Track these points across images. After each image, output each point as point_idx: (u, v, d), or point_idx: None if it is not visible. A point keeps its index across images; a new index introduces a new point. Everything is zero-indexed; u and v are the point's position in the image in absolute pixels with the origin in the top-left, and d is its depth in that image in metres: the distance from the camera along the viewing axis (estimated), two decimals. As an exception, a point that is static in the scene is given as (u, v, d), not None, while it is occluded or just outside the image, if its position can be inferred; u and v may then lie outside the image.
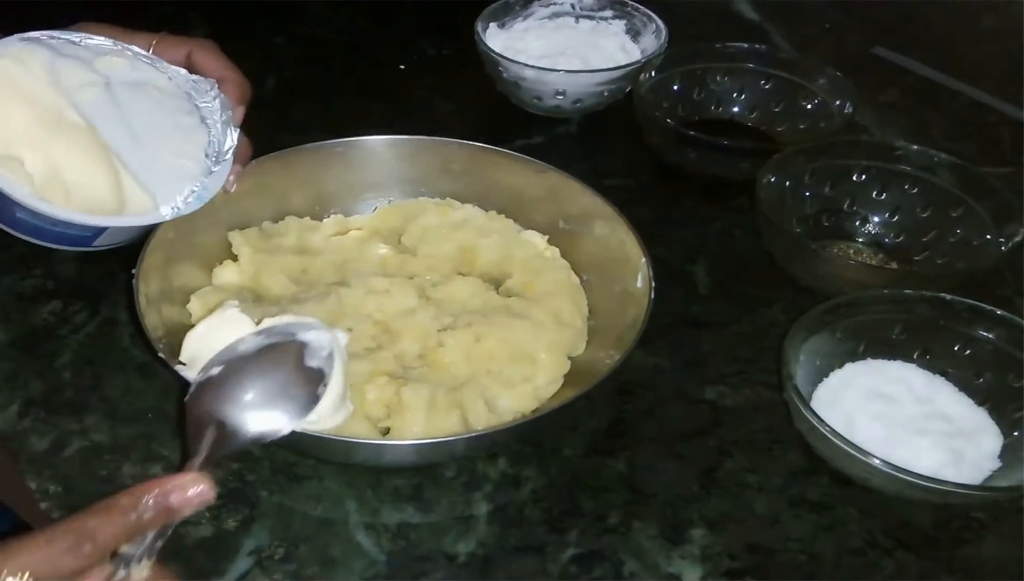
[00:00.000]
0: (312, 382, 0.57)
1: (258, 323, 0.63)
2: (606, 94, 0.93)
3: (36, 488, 0.63)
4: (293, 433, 0.56)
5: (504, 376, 0.68)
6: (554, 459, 0.66)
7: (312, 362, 0.58)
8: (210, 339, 0.63)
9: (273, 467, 0.65)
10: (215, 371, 0.57)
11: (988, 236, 0.75)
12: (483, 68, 0.96)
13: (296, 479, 0.64)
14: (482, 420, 0.65)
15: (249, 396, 0.55)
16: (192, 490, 0.49)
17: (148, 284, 0.67)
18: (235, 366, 0.57)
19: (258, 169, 0.76)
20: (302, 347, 0.58)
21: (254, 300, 0.72)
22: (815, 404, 0.66)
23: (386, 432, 0.64)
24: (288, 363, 0.57)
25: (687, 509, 0.63)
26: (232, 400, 0.55)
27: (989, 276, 0.76)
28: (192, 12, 1.08)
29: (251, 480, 0.64)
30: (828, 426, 0.60)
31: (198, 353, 0.63)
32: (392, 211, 0.80)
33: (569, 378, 0.69)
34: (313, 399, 0.57)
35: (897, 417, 0.65)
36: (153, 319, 0.65)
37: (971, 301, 0.67)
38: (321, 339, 0.58)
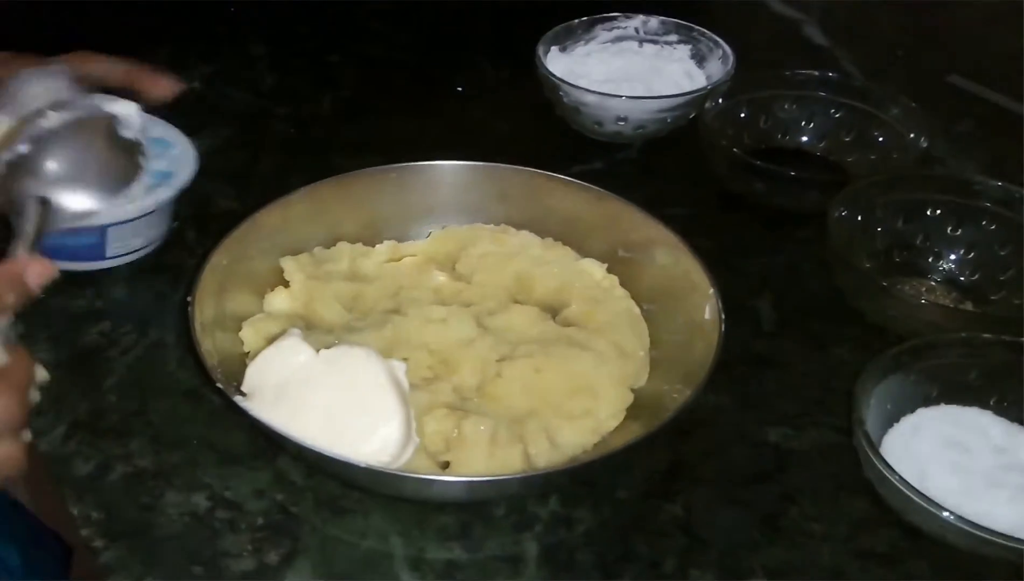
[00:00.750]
0: (130, 153, 0.57)
1: (317, 351, 0.63)
2: (669, 120, 0.92)
3: (78, 514, 0.63)
4: (347, 464, 0.56)
5: (565, 409, 0.67)
6: (608, 500, 0.64)
7: (126, 133, 0.57)
8: (272, 369, 0.63)
9: (318, 500, 0.64)
10: (23, 148, 0.55)
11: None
12: (542, 91, 0.95)
13: (341, 512, 0.63)
14: (544, 455, 0.63)
15: (65, 170, 0.55)
16: (32, 271, 0.49)
17: (203, 311, 0.66)
18: (45, 143, 0.55)
19: (311, 194, 0.76)
20: (112, 120, 0.57)
21: (307, 327, 0.71)
22: (885, 451, 0.64)
23: (445, 466, 0.63)
24: (100, 136, 0.57)
25: (747, 558, 0.61)
26: (49, 176, 0.54)
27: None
28: (248, 29, 1.08)
29: (294, 512, 0.63)
30: (899, 475, 0.58)
31: (259, 383, 0.63)
32: (446, 237, 0.79)
33: (631, 411, 0.68)
34: (135, 169, 0.56)
35: (973, 468, 0.62)
36: (207, 346, 0.65)
37: (1053, 346, 0.65)
38: (129, 109, 0.58)
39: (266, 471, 0.66)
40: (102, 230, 0.76)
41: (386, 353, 0.67)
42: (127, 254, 0.79)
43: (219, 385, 0.61)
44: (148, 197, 0.76)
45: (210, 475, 0.66)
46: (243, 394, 0.63)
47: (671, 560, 0.61)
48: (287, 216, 0.75)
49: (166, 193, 0.77)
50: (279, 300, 0.74)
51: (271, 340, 0.66)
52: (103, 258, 0.78)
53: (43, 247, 0.70)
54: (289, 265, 0.75)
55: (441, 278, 0.77)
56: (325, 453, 0.58)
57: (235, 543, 0.61)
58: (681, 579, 0.60)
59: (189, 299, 0.66)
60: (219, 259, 0.69)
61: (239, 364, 0.66)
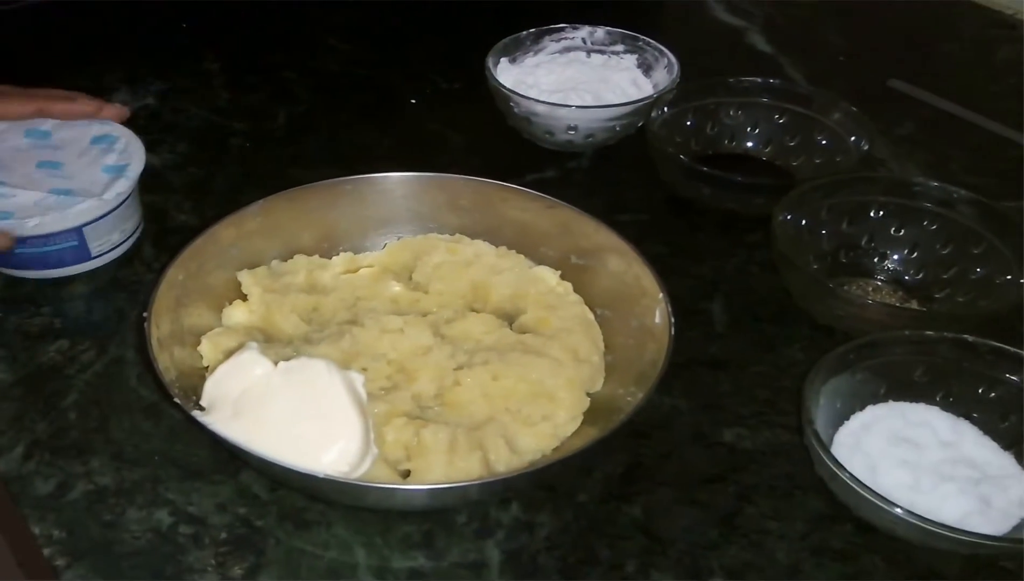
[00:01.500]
0: None
1: (276, 364, 0.62)
2: (618, 129, 0.92)
3: (39, 533, 0.62)
4: (307, 476, 0.56)
5: (523, 415, 0.66)
6: (568, 504, 0.64)
7: None
8: (230, 382, 0.62)
9: (281, 512, 0.63)
10: None
11: (1010, 275, 0.73)
12: (495, 102, 0.95)
13: (304, 525, 0.62)
14: (503, 461, 0.63)
15: None
16: None
17: (159, 327, 0.65)
18: None
19: (266, 208, 0.75)
20: None
21: (265, 340, 0.71)
22: (836, 448, 0.64)
23: (406, 475, 0.63)
24: None
25: (706, 557, 0.61)
26: None
27: (1013, 314, 0.74)
28: (202, 46, 1.07)
29: (258, 526, 0.62)
30: (849, 473, 0.58)
31: (218, 397, 0.62)
32: (402, 248, 0.79)
33: (588, 416, 0.67)
34: None
35: (922, 462, 0.62)
36: (165, 361, 0.64)
37: (994, 343, 0.65)
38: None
39: (229, 485, 0.65)
40: (78, 231, 0.77)
41: (345, 364, 0.67)
42: (113, 249, 0.81)
43: (177, 400, 0.60)
44: (110, 191, 0.78)
45: (172, 491, 0.64)
46: (202, 408, 0.62)
47: (632, 562, 0.60)
48: (243, 230, 0.74)
49: (126, 184, 0.79)
50: (237, 314, 0.73)
51: (229, 354, 0.65)
52: (90, 258, 0.80)
53: (27, 261, 0.76)
54: (246, 279, 0.74)
55: (397, 288, 0.76)
56: (285, 465, 0.57)
57: (199, 558, 0.60)
58: (642, 580, 0.59)
59: (145, 315, 0.65)
60: (175, 274, 0.68)
61: (198, 378, 0.65)
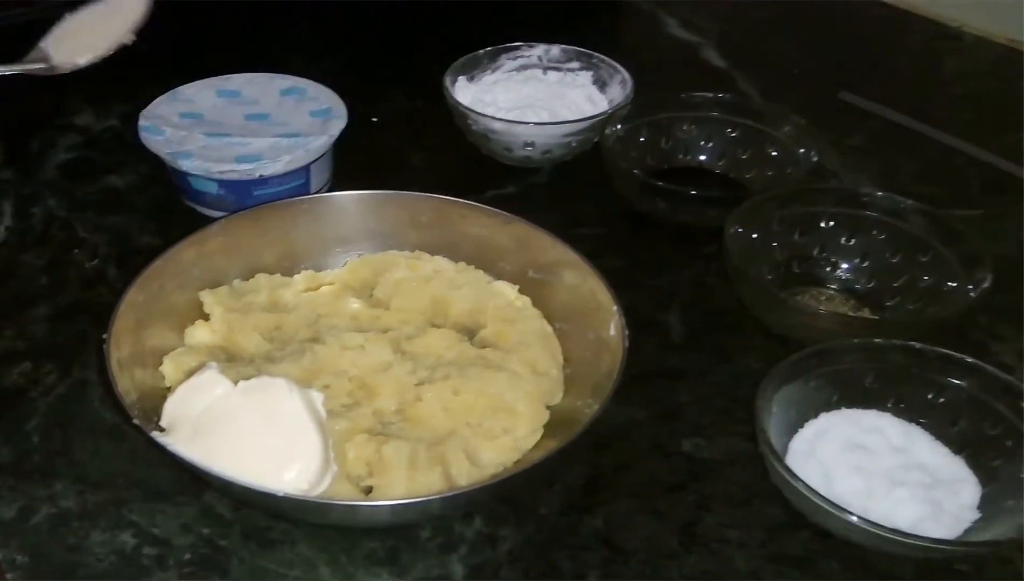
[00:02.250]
0: None
1: (235, 384, 0.61)
2: (574, 145, 0.91)
3: (2, 558, 0.60)
4: (269, 495, 0.55)
5: (484, 428, 0.66)
6: (530, 517, 0.63)
7: None
8: (190, 403, 0.61)
9: (245, 532, 0.62)
10: None
11: (956, 282, 0.73)
12: (454, 120, 0.94)
13: (268, 544, 0.61)
14: (465, 475, 0.62)
15: None
16: None
17: (120, 348, 0.64)
18: None
19: (226, 228, 0.74)
20: None
21: (228, 359, 0.70)
22: (791, 456, 0.64)
23: (369, 491, 0.62)
24: None
25: (667, 567, 0.60)
26: None
27: (963, 321, 0.74)
28: (165, 67, 1.06)
29: (222, 545, 0.61)
30: (803, 482, 0.58)
31: (178, 417, 0.61)
32: (362, 265, 0.78)
33: (548, 428, 0.67)
34: None
35: (874, 468, 0.62)
36: (125, 383, 0.62)
37: (942, 349, 0.65)
38: None
39: (192, 506, 0.64)
40: (307, 169, 0.85)
41: (306, 381, 0.66)
42: (321, 188, 0.88)
43: (136, 421, 0.59)
44: (332, 128, 0.86)
45: (136, 512, 0.63)
46: (162, 430, 0.61)
47: (594, 573, 0.60)
48: (204, 250, 0.73)
49: (340, 123, 0.87)
50: (199, 333, 0.72)
51: (192, 374, 0.64)
52: (309, 191, 0.87)
53: (257, 198, 0.82)
54: (208, 298, 0.73)
55: (358, 305, 0.75)
56: (243, 484, 0.56)
57: (163, 580, 0.59)
58: (604, 591, 0.59)
59: (104, 337, 0.63)
60: (136, 295, 0.67)
61: (161, 399, 0.64)
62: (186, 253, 0.72)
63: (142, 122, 0.86)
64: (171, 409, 0.61)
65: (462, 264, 0.77)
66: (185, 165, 0.82)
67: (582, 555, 0.61)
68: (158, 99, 0.90)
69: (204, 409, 0.60)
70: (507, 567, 0.60)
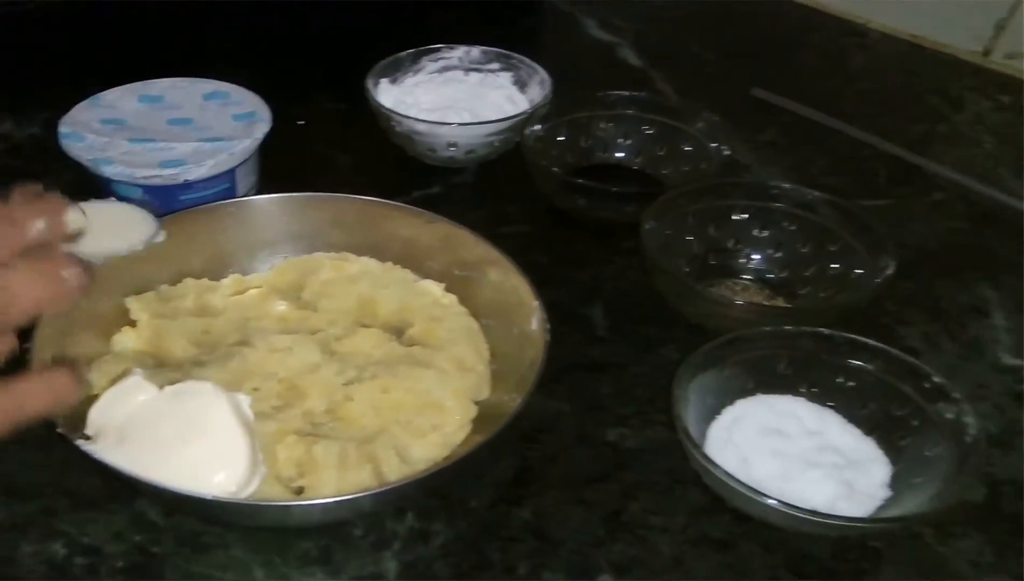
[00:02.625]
0: None
1: (161, 389, 0.61)
2: (496, 144, 0.92)
3: (-68, 572, 0.59)
4: (199, 500, 0.54)
5: (414, 425, 0.66)
6: (461, 511, 0.64)
7: None
8: (115, 409, 0.60)
9: (178, 538, 0.61)
10: None
11: (863, 270, 0.75)
12: (379, 122, 0.94)
13: (202, 549, 0.61)
14: (395, 471, 0.62)
15: None
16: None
17: (44, 357, 0.63)
18: None
19: (151, 234, 0.73)
20: None
21: (156, 365, 0.69)
22: (710, 442, 0.65)
23: (300, 492, 0.62)
24: None
25: (594, 555, 0.61)
26: None
27: (872, 307, 0.76)
28: (87, 73, 1.04)
29: (155, 552, 0.61)
30: (719, 467, 0.59)
31: (103, 425, 0.60)
32: (289, 267, 0.78)
33: (477, 423, 0.67)
34: None
35: (790, 451, 0.64)
36: (51, 392, 0.61)
37: (848, 334, 0.67)
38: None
39: (123, 513, 0.63)
40: (232, 173, 0.84)
41: (235, 384, 0.65)
42: (248, 191, 0.87)
43: (60, 430, 0.58)
44: (256, 132, 0.85)
45: (66, 522, 0.62)
46: (88, 438, 0.60)
47: (524, 564, 0.61)
48: (128, 256, 0.71)
49: (264, 126, 0.86)
50: (126, 340, 0.71)
51: (118, 381, 0.63)
52: (235, 195, 0.85)
53: (182, 203, 0.81)
54: (134, 304, 0.72)
55: (286, 308, 0.75)
56: (174, 490, 0.56)
57: (96, 588, 0.59)
58: None
59: (27, 346, 0.62)
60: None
61: (88, 407, 0.63)
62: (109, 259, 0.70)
63: (63, 129, 0.84)
64: (96, 417, 0.60)
65: (388, 264, 0.77)
66: (108, 171, 0.81)
67: (512, 547, 0.62)
68: (79, 105, 0.88)
69: (129, 415, 0.59)
70: (440, 561, 0.61)
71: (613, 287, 0.82)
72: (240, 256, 0.78)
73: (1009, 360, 0.76)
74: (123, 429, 0.59)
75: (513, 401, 0.63)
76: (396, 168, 0.96)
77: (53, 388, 0.50)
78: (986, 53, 1.17)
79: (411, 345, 0.72)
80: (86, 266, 0.50)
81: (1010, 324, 0.79)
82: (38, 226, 0.48)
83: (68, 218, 0.51)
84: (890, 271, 0.72)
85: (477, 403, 0.68)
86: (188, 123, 0.87)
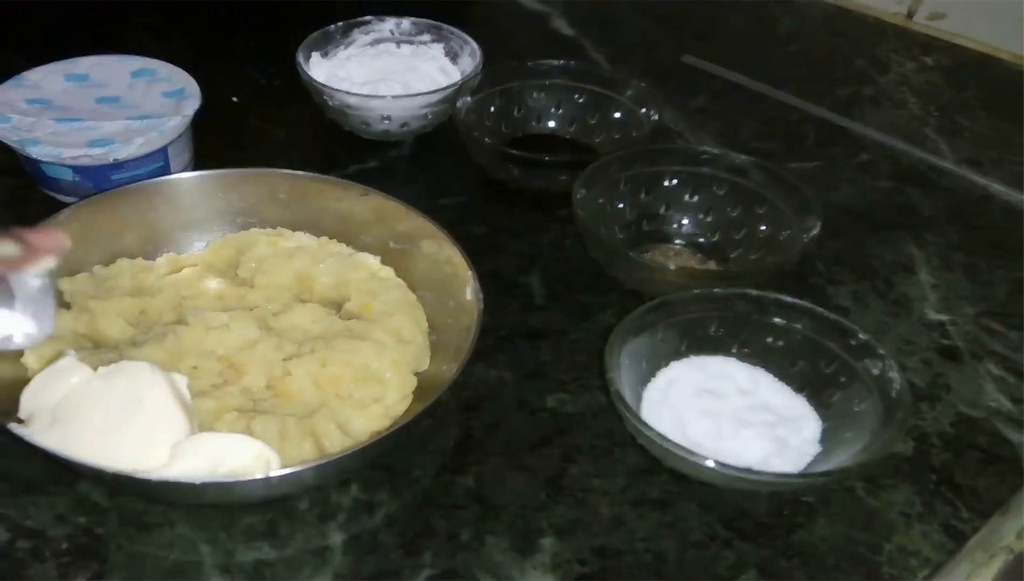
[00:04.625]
0: None
1: (95, 370, 0.60)
2: (430, 116, 0.92)
3: None
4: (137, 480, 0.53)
5: (354, 398, 0.66)
6: (405, 481, 0.64)
7: None
8: (47, 392, 0.60)
9: (122, 518, 0.61)
10: None
11: (789, 230, 0.77)
12: (313, 97, 0.93)
13: (146, 528, 0.61)
14: (337, 444, 0.62)
15: None
16: None
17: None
18: None
19: (78, 214, 0.72)
20: None
21: (93, 346, 0.68)
22: (646, 404, 0.66)
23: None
24: None
25: (536, 519, 0.62)
26: None
27: (803, 267, 0.77)
28: (13, 49, 1.01)
29: (99, 533, 0.60)
30: (652, 429, 0.60)
31: (36, 408, 0.59)
32: (225, 245, 0.77)
33: (418, 394, 0.68)
34: None
35: (723, 411, 0.65)
36: (-15, 376, 0.60)
37: (776, 295, 0.68)
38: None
39: (66, 496, 0.62)
40: (164, 151, 0.83)
41: (172, 363, 0.65)
42: (183, 169, 0.86)
43: None
44: (186, 109, 0.84)
45: (7, 506, 0.62)
46: (20, 421, 0.59)
47: (467, 530, 0.61)
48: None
49: (194, 103, 0.85)
50: (62, 322, 0.70)
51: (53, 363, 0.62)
52: (169, 173, 0.84)
53: (114, 182, 0.80)
54: (68, 286, 0.71)
55: (222, 285, 0.74)
56: (111, 471, 0.56)
57: (41, 571, 0.58)
58: (478, 547, 0.60)
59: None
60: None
61: (21, 390, 0.62)
62: (40, 243, 0.69)
63: None
64: (28, 400, 0.60)
65: (324, 238, 0.77)
66: (35, 152, 0.79)
67: (456, 514, 0.62)
68: (3, 85, 0.86)
69: (62, 397, 0.58)
70: (384, 531, 0.61)
71: (550, 255, 0.83)
72: (174, 234, 0.77)
73: (934, 316, 0.78)
74: (56, 412, 0.58)
75: (452, 371, 0.64)
76: (332, 143, 0.95)
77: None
78: (910, 15, 1.19)
79: (349, 319, 0.72)
80: None
81: (935, 280, 0.82)
82: None
83: None
84: (815, 231, 0.74)
85: (417, 374, 0.69)
86: (116, 101, 0.85)
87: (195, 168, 0.87)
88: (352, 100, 0.89)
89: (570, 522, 0.62)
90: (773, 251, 0.77)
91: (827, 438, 0.64)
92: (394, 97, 0.90)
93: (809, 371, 0.67)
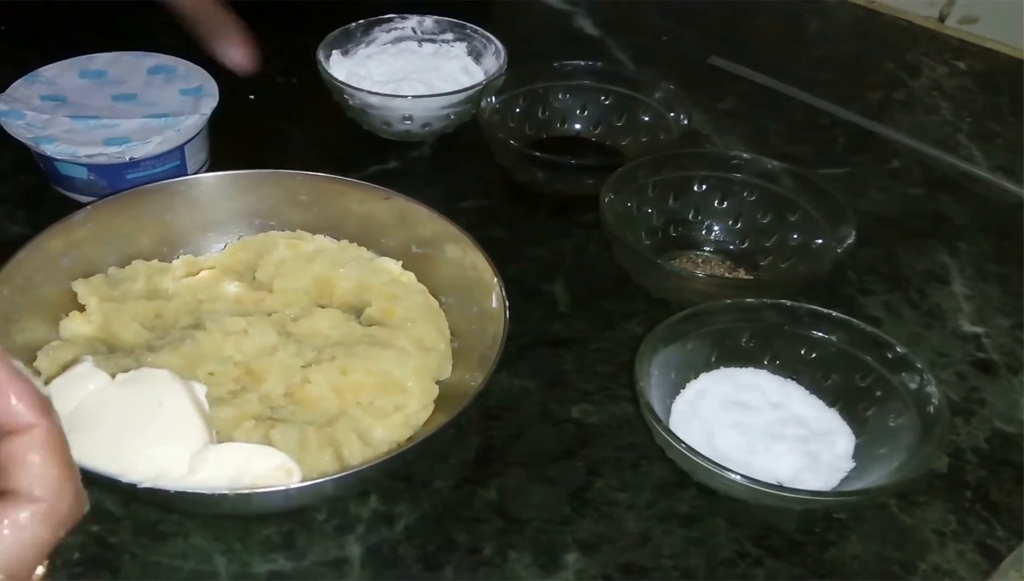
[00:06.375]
0: None
1: (113, 376, 0.59)
2: (452, 117, 0.91)
3: None
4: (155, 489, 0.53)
5: (375, 407, 0.65)
6: (425, 492, 0.63)
7: None
8: (64, 398, 0.58)
9: (136, 527, 0.60)
10: None
11: (822, 239, 0.75)
12: (332, 96, 0.92)
13: (161, 537, 0.60)
14: (357, 455, 0.61)
15: None
16: None
17: (-13, 345, 0.61)
18: None
19: (95, 214, 0.71)
20: None
21: (108, 350, 0.67)
22: (675, 417, 0.65)
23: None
24: None
25: (560, 533, 0.61)
26: None
27: (834, 276, 0.76)
28: (26, 48, 1.01)
29: (113, 542, 0.60)
30: (682, 442, 0.59)
31: (53, 415, 0.58)
32: (242, 247, 0.76)
33: (439, 403, 0.66)
34: None
35: (754, 424, 0.64)
36: (-9, 381, 0.59)
37: (810, 305, 0.67)
38: None
39: (78, 503, 0.61)
40: (181, 150, 0.82)
41: (189, 370, 0.64)
42: (199, 169, 0.86)
43: None
44: (203, 108, 0.83)
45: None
46: None
47: (489, 544, 0.60)
48: (72, 239, 0.70)
49: (211, 101, 0.84)
50: (75, 325, 0.69)
51: (68, 367, 0.61)
52: (186, 172, 0.84)
53: (130, 181, 0.80)
54: (82, 288, 0.70)
55: (240, 289, 0.73)
56: (126, 481, 0.54)
57: (51, 581, 0.57)
58: (501, 562, 0.59)
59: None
60: (-1, 289, 0.64)
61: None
62: (52, 243, 0.68)
63: (0, 107, 0.82)
64: None
65: (344, 242, 0.76)
66: (49, 150, 0.79)
67: (478, 527, 0.61)
68: (17, 81, 0.85)
69: (79, 404, 0.57)
70: (404, 544, 0.60)
71: (574, 261, 0.81)
72: (191, 236, 0.76)
73: (969, 327, 0.77)
74: (72, 419, 0.57)
75: (475, 379, 0.62)
76: (351, 143, 0.94)
77: None
78: (941, 19, 1.17)
79: (370, 325, 0.71)
80: None
81: (969, 291, 0.80)
82: None
83: None
84: (851, 240, 0.72)
85: (439, 383, 0.68)
86: (133, 99, 0.84)
87: (211, 167, 0.87)
88: (373, 100, 0.88)
89: (595, 537, 0.61)
90: (805, 260, 0.76)
91: (861, 454, 0.63)
92: (416, 97, 0.89)
93: (843, 384, 0.66)
